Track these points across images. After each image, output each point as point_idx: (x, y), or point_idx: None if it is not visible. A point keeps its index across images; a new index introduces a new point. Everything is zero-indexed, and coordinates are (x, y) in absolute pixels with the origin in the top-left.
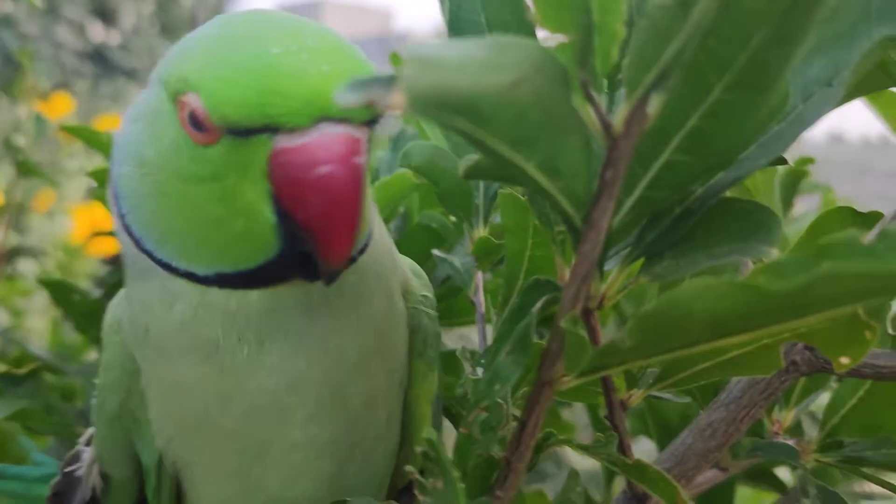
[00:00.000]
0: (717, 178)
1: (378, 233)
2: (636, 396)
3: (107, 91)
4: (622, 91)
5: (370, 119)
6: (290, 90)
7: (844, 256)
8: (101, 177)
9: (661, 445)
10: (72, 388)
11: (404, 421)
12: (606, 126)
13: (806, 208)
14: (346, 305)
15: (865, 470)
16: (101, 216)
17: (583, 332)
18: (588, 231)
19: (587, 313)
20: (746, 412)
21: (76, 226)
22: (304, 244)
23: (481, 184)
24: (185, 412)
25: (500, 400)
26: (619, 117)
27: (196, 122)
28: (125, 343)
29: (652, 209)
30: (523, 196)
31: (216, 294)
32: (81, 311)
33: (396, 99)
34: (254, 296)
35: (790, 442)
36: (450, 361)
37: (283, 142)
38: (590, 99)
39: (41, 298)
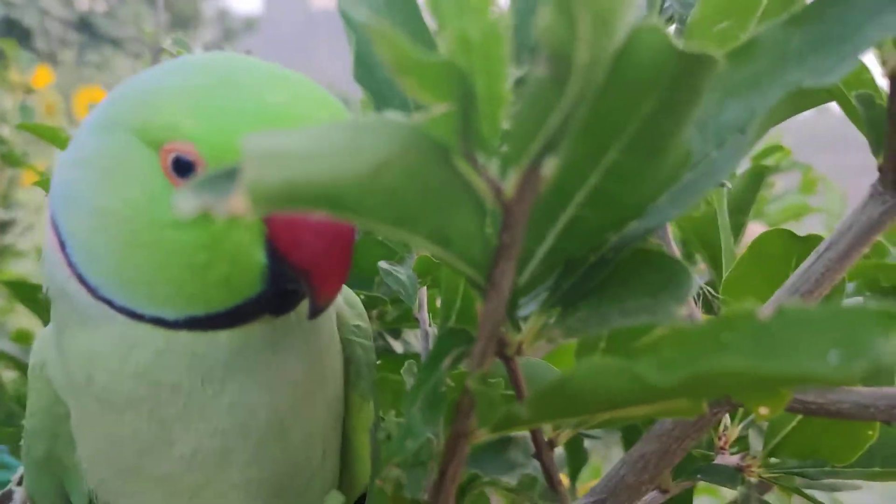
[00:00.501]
0: (630, 227)
1: None
2: (563, 435)
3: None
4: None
5: None
6: None
7: (737, 340)
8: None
9: (628, 444)
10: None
11: (343, 450)
12: (498, 192)
13: (786, 185)
14: (300, 339)
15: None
16: None
17: (491, 391)
18: (490, 291)
19: (507, 360)
20: (678, 444)
21: None
22: (290, 283)
23: None
24: (120, 458)
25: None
26: (509, 184)
27: (182, 169)
28: (51, 386)
29: (566, 257)
30: None
31: (184, 337)
32: (47, 308)
33: (237, 202)
34: (223, 336)
35: (735, 457)
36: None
37: None
38: (475, 167)
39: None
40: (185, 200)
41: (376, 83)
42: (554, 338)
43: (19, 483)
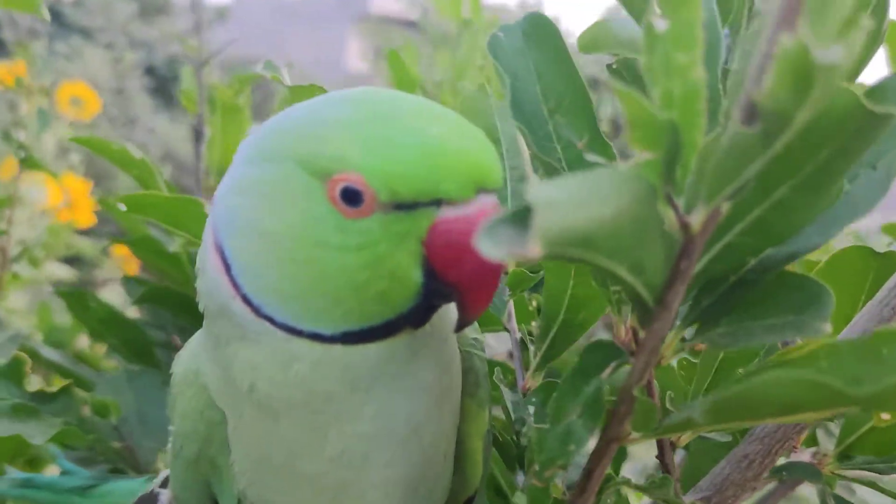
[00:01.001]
0: (770, 252)
1: None
2: (684, 438)
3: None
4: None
5: None
6: (458, 167)
7: None
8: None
9: None
10: (104, 405)
11: (456, 455)
12: (685, 226)
13: None
14: (435, 349)
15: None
16: (73, 184)
17: (652, 400)
18: (661, 312)
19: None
20: (780, 445)
21: (49, 194)
22: (439, 299)
23: None
24: (274, 459)
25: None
26: (697, 220)
27: (351, 198)
28: (206, 392)
29: (708, 279)
30: None
31: (338, 350)
32: (98, 317)
33: (533, 248)
34: (372, 348)
35: (807, 454)
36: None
37: (448, 212)
38: (673, 206)
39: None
40: (493, 249)
41: (525, 117)
42: (696, 350)
43: (163, 485)
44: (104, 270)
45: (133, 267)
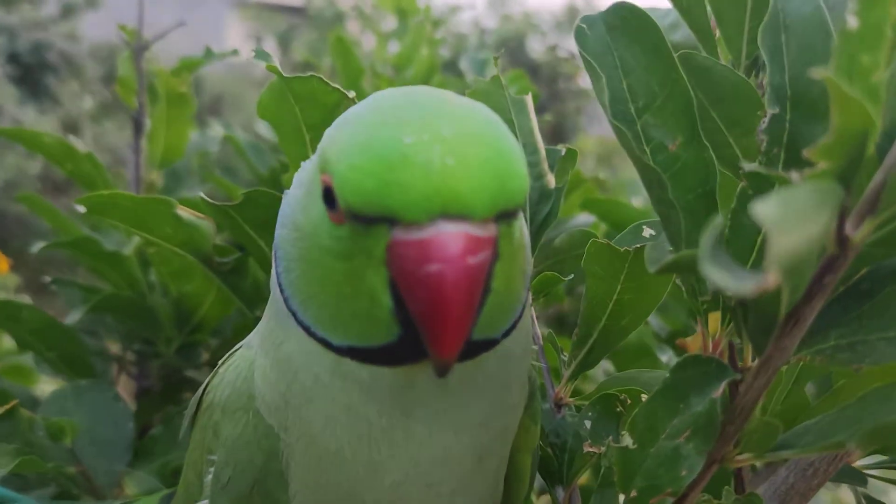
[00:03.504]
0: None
1: (526, 312)
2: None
3: None
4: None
5: (501, 213)
6: (410, 183)
7: None
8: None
9: None
10: (58, 427)
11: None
12: (843, 239)
13: None
14: (488, 386)
15: None
16: None
17: (777, 421)
18: (792, 327)
19: (737, 384)
20: (845, 451)
21: None
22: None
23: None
24: (334, 485)
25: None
26: (860, 234)
27: (329, 200)
28: (262, 419)
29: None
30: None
31: (350, 364)
32: (31, 328)
33: (772, 279)
34: (386, 372)
35: None
36: None
37: (400, 234)
38: (840, 219)
39: None
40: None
41: (626, 120)
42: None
43: None
44: None
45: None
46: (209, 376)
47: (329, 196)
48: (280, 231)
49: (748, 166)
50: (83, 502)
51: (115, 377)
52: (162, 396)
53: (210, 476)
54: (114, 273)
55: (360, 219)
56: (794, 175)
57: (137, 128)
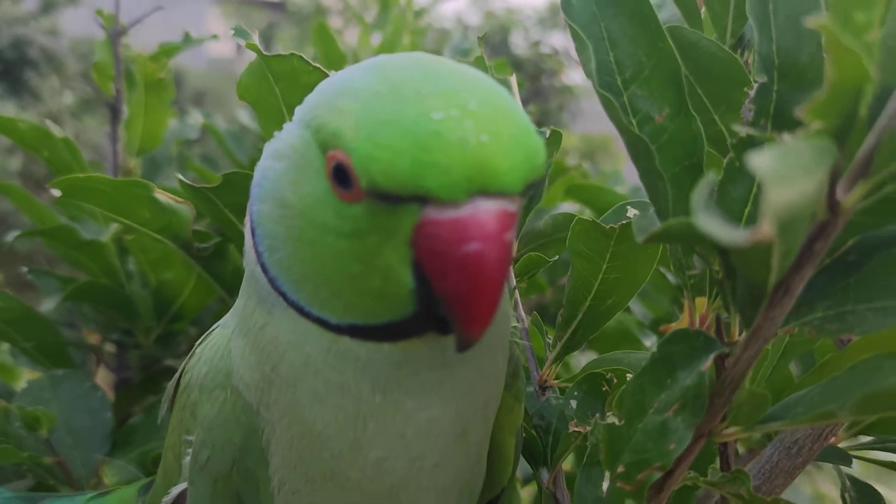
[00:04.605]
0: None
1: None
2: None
3: None
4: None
5: (527, 187)
6: (449, 163)
7: None
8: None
9: None
10: (34, 417)
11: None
12: (833, 204)
13: None
14: (478, 357)
15: None
16: None
17: (766, 392)
18: (781, 297)
19: (725, 358)
20: (831, 428)
21: None
22: (441, 309)
23: None
24: (316, 463)
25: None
26: (851, 199)
27: (342, 178)
28: (240, 396)
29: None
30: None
31: (347, 343)
32: (7, 318)
33: (765, 230)
34: (385, 348)
35: None
36: None
37: (433, 214)
38: (831, 182)
39: None
40: (715, 230)
41: (612, 91)
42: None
43: (175, 502)
44: None
45: None
46: (186, 358)
47: (341, 174)
48: (259, 207)
49: (739, 128)
50: (60, 492)
51: (94, 368)
52: (141, 387)
53: (188, 457)
54: (91, 263)
55: (387, 198)
56: (786, 137)
57: (114, 115)
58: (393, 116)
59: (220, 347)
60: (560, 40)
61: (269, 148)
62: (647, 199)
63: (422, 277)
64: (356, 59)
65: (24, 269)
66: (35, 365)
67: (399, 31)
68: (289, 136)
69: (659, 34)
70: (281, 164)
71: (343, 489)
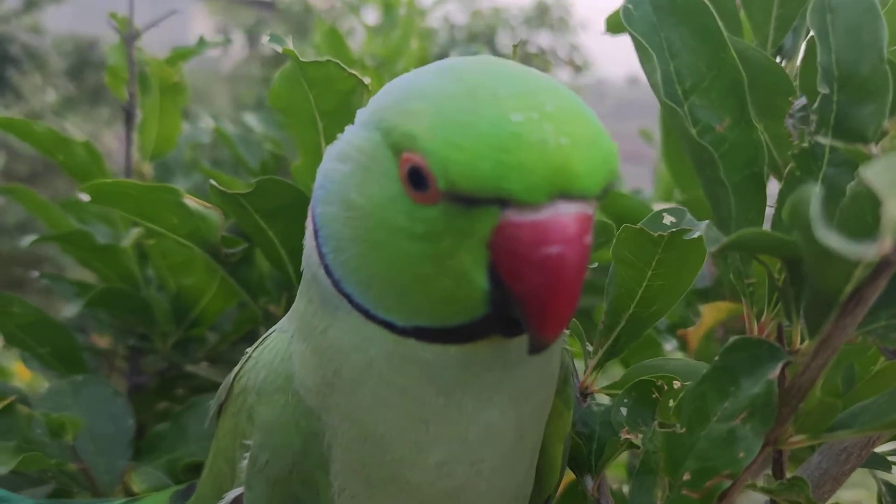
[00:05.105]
0: None
1: None
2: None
3: None
4: None
5: (604, 190)
6: (529, 165)
7: None
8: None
9: None
10: (59, 423)
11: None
12: None
13: None
14: (536, 360)
15: None
16: None
17: (836, 400)
18: (854, 307)
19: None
20: (878, 434)
21: None
22: (513, 311)
23: None
24: (377, 466)
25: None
26: None
27: (417, 180)
28: (301, 399)
29: None
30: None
31: (412, 345)
32: (21, 323)
33: (887, 244)
34: (452, 350)
35: None
36: None
37: (513, 216)
38: None
39: None
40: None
41: (676, 100)
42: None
43: None
44: None
45: None
46: (240, 363)
47: (416, 176)
48: (324, 209)
49: (806, 138)
50: (85, 499)
51: (107, 374)
52: (155, 393)
53: (245, 461)
54: (106, 267)
55: (466, 200)
56: (873, 148)
57: (128, 118)
58: (470, 118)
59: (280, 351)
60: (547, 40)
61: (331, 150)
62: (680, 207)
63: (496, 279)
64: (362, 64)
65: (36, 273)
66: (49, 370)
67: (408, 33)
68: (354, 138)
69: (721, 43)
70: (346, 167)
71: (404, 493)
